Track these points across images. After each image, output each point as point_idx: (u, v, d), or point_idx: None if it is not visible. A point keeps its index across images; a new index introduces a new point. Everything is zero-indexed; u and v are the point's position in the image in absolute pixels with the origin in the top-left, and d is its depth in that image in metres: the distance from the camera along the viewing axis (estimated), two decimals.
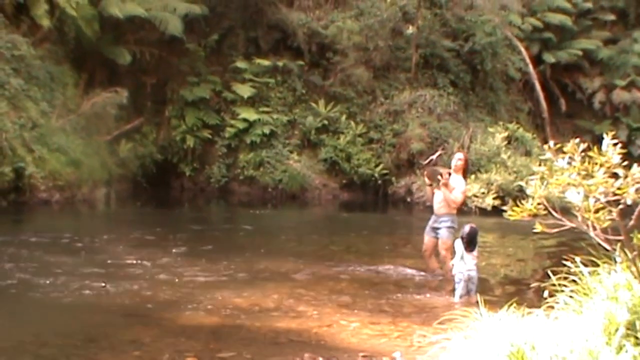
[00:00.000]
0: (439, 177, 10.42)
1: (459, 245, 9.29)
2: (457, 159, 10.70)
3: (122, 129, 25.33)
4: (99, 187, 22.67)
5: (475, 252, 9.28)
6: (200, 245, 13.82)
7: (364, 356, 6.46)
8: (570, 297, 5.25)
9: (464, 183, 10.55)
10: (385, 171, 26.37)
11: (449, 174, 10.51)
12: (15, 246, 12.42)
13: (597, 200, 5.30)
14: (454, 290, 9.30)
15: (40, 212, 18.96)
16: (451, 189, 10.36)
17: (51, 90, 22.41)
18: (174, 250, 12.77)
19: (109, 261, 11.17)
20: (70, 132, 22.04)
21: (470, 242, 9.18)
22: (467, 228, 9.25)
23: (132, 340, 7.06)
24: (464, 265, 9.20)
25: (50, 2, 22.42)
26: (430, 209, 10.94)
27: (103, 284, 9.39)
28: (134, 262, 11.23)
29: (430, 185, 10.75)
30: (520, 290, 9.91)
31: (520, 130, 27.11)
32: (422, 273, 10.89)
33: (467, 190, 10.49)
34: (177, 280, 10.00)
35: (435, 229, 10.56)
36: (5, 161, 18.60)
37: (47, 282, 9.56)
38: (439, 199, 10.56)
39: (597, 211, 5.31)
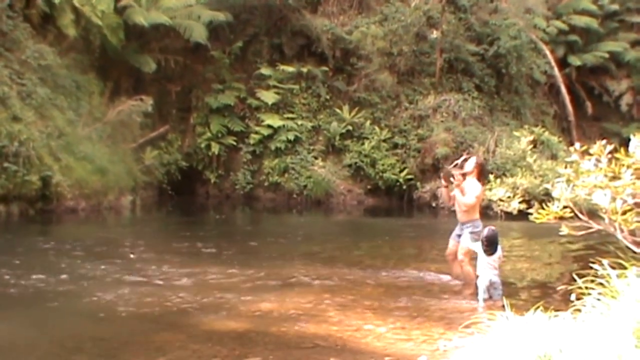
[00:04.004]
0: (452, 178, 10.33)
1: (478, 248, 9.23)
2: (469, 163, 10.62)
3: (148, 137, 25.53)
4: (125, 195, 22.82)
5: (496, 256, 9.20)
6: (226, 251, 13.85)
7: None
8: (598, 300, 5.20)
9: (479, 187, 10.40)
10: (410, 176, 26.31)
11: (463, 175, 10.40)
12: (44, 254, 12.53)
13: (625, 202, 5.25)
14: (477, 294, 9.25)
15: (67, 220, 19.12)
16: (464, 192, 10.27)
17: (77, 99, 22.62)
18: (202, 257, 12.80)
19: (138, 269, 11.21)
20: (96, 140, 22.24)
21: (490, 246, 9.10)
22: (486, 231, 9.17)
23: (158, 347, 7.08)
24: (485, 270, 9.15)
25: (76, 12, 22.69)
26: (454, 214, 10.87)
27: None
28: (161, 268, 11.27)
29: (446, 186, 10.68)
30: (547, 293, 9.81)
31: (546, 133, 26.92)
32: (448, 278, 10.84)
33: (483, 194, 10.35)
34: (204, 286, 10.03)
35: (459, 235, 10.50)
36: (33, 170, 18.78)
37: (76, 289, 9.63)
38: (460, 200, 10.50)
39: (624, 213, 5.26)
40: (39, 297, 9.24)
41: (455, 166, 10.65)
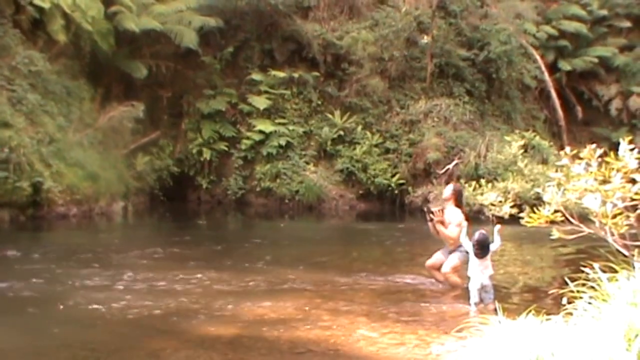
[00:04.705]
0: (432, 215, 10.54)
1: (469, 248, 9.28)
2: (446, 190, 10.83)
3: (139, 143, 25.48)
4: (117, 201, 22.79)
5: (487, 260, 9.25)
6: (218, 256, 13.86)
7: None
8: (589, 303, 5.22)
9: (459, 213, 10.54)
10: (401, 181, 26.31)
11: (441, 211, 10.59)
12: (35, 260, 12.50)
13: (615, 205, 5.28)
14: (468, 298, 9.29)
15: (59, 226, 19.06)
16: (447, 224, 10.45)
17: (68, 105, 22.57)
18: (193, 262, 12.79)
19: (129, 274, 11.19)
20: (88, 146, 22.19)
21: (481, 249, 9.16)
22: (477, 235, 9.22)
23: (150, 353, 7.08)
24: (476, 273, 9.19)
25: (66, 18, 22.64)
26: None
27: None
28: (154, 274, 11.26)
29: (431, 220, 10.80)
30: (538, 297, 9.85)
31: (537, 138, 26.97)
32: (439, 282, 10.87)
33: (464, 220, 10.49)
34: (196, 291, 10.03)
35: (450, 252, 10.58)
36: (24, 176, 18.73)
37: (67, 295, 9.62)
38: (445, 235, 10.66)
39: (614, 217, 5.30)
40: (28, 304, 9.23)
41: (446, 172, 10.86)
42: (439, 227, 10.49)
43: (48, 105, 21.40)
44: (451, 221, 10.47)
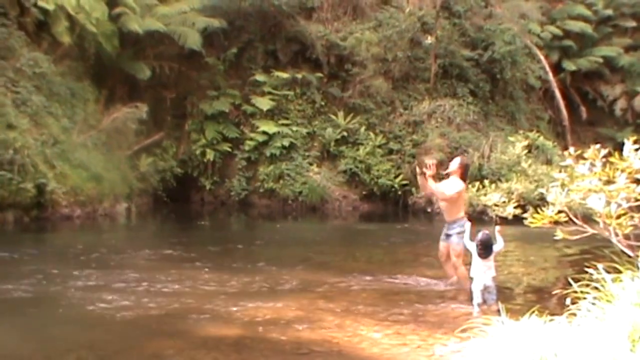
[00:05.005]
0: (425, 167, 10.40)
1: (473, 248, 9.26)
2: (453, 163, 10.75)
3: (143, 144, 25.50)
4: (120, 202, 22.80)
5: (490, 261, 9.23)
6: (222, 257, 13.84)
7: None
8: (593, 304, 5.20)
9: (462, 184, 10.52)
10: (405, 182, 26.30)
11: (434, 165, 10.51)
12: (39, 261, 12.50)
13: (619, 206, 5.26)
14: (471, 299, 9.27)
15: (63, 228, 19.08)
16: (443, 190, 10.40)
17: (72, 106, 22.60)
18: (196, 263, 12.78)
19: (133, 276, 11.18)
20: (91, 148, 22.21)
21: (484, 249, 9.14)
22: (480, 235, 9.20)
23: (155, 353, 7.08)
24: (479, 274, 9.17)
25: (71, 19, 22.67)
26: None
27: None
28: (158, 275, 11.25)
29: (422, 174, 10.74)
30: (542, 298, 9.82)
31: (541, 138, 26.96)
32: (443, 283, 10.85)
33: (465, 192, 10.43)
34: (198, 292, 10.02)
35: (447, 235, 10.57)
36: (28, 177, 18.75)
37: (72, 296, 9.62)
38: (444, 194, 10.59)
39: (619, 217, 5.27)
40: (30, 305, 9.23)
41: (424, 166, 10.72)
42: (430, 182, 10.33)
43: (52, 106, 21.43)
44: (450, 187, 10.44)
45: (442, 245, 10.77)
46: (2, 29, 20.87)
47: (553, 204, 5.58)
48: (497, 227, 9.50)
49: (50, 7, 21.81)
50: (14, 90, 20.21)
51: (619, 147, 5.59)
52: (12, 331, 7.95)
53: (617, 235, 5.38)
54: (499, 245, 9.26)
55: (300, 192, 26.02)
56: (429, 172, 10.29)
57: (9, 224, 18.49)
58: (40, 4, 21.64)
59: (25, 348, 7.30)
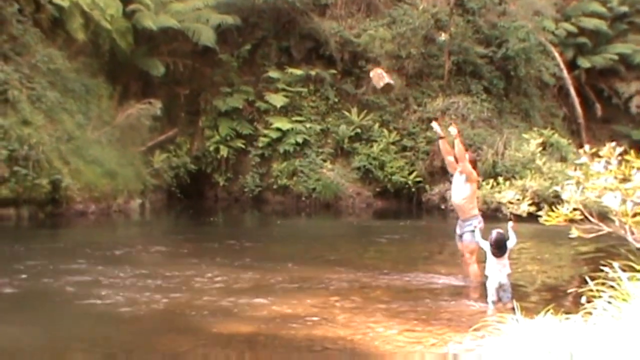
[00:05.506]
0: (453, 124, 10.46)
1: (487, 247, 9.24)
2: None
3: (157, 140, 25.55)
4: (134, 198, 22.85)
5: (505, 259, 9.20)
6: (235, 254, 13.85)
7: None
8: (609, 302, 5.17)
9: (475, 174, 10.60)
10: (419, 179, 26.26)
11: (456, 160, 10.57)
12: (54, 257, 12.55)
13: (635, 204, 5.22)
14: (486, 297, 9.24)
15: (77, 224, 19.17)
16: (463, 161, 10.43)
17: (86, 102, 22.68)
18: (209, 259, 12.80)
19: (147, 272, 11.21)
20: (106, 144, 22.29)
21: (498, 249, 9.11)
22: (494, 234, 9.16)
23: (168, 349, 7.09)
24: (494, 272, 9.15)
25: (85, 16, 22.75)
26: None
27: None
28: (172, 271, 11.28)
29: (442, 137, 10.81)
30: (557, 296, 9.77)
31: (556, 136, 26.84)
32: (457, 280, 10.83)
33: (478, 181, 10.49)
34: (211, 288, 10.03)
35: (460, 235, 10.55)
36: (42, 173, 18.84)
37: (86, 292, 9.65)
38: (457, 190, 10.55)
39: (634, 215, 5.24)
40: (45, 299, 9.28)
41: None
42: (457, 142, 10.37)
43: (67, 103, 21.53)
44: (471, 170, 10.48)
45: (459, 245, 10.77)
46: (18, 25, 20.95)
47: (568, 202, 5.55)
48: (510, 223, 9.49)
49: (65, 3, 21.90)
50: (29, 87, 20.29)
51: (635, 144, 5.58)
52: (20, 325, 7.98)
53: (632, 233, 5.35)
54: (512, 241, 9.23)
55: (314, 189, 26.00)
56: (454, 131, 10.31)
57: (24, 220, 18.59)
58: (55, 0, 21.72)
59: (33, 343, 7.33)
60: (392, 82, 11.59)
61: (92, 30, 23.36)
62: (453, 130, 10.43)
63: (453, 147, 10.62)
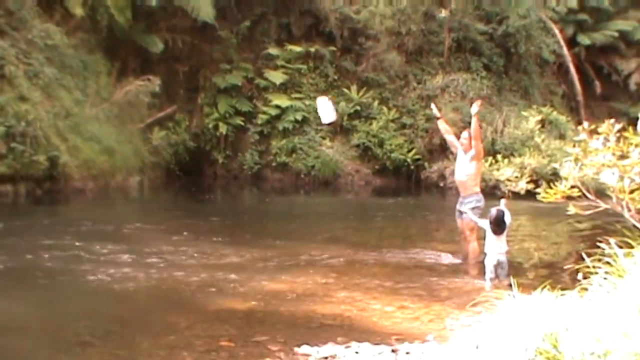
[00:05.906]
0: (476, 103, 10.53)
1: (486, 226, 9.27)
2: (464, 138, 10.72)
3: (155, 117, 25.47)
4: (133, 175, 22.84)
5: (504, 236, 9.24)
6: (234, 231, 13.90)
7: (396, 339, 6.44)
8: (605, 278, 5.19)
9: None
10: (417, 156, 26.26)
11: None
12: (52, 234, 12.56)
13: (632, 180, 5.23)
14: (484, 273, 9.28)
15: (75, 201, 19.18)
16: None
17: (84, 79, 22.59)
18: (208, 237, 12.82)
19: (145, 249, 11.23)
20: (104, 121, 22.22)
21: (497, 226, 9.15)
22: (493, 211, 9.20)
23: (167, 325, 7.12)
24: (493, 250, 9.18)
25: None
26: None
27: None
28: (170, 248, 11.31)
29: (439, 118, 10.88)
30: (554, 273, 9.82)
31: (555, 113, 26.82)
32: (455, 257, 10.87)
33: (482, 163, 10.55)
34: (210, 265, 10.06)
35: (461, 212, 10.57)
36: (40, 150, 18.78)
37: (84, 268, 9.67)
38: (461, 168, 10.58)
39: (632, 192, 5.24)
40: (48, 277, 9.29)
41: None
42: (475, 120, 10.42)
43: (64, 79, 21.43)
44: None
45: (458, 222, 10.79)
46: (14, 0, 20.82)
47: (566, 179, 5.55)
48: (503, 200, 9.52)
49: None
50: (26, 62, 20.19)
51: (633, 121, 5.55)
52: (21, 302, 8.01)
53: (629, 210, 5.36)
54: (507, 219, 9.25)
55: (313, 167, 26.00)
56: (475, 109, 10.36)
57: (21, 197, 18.57)
58: None
59: (35, 319, 7.36)
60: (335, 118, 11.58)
61: (90, 5, 23.19)
62: (474, 108, 10.39)
63: (469, 126, 10.65)
